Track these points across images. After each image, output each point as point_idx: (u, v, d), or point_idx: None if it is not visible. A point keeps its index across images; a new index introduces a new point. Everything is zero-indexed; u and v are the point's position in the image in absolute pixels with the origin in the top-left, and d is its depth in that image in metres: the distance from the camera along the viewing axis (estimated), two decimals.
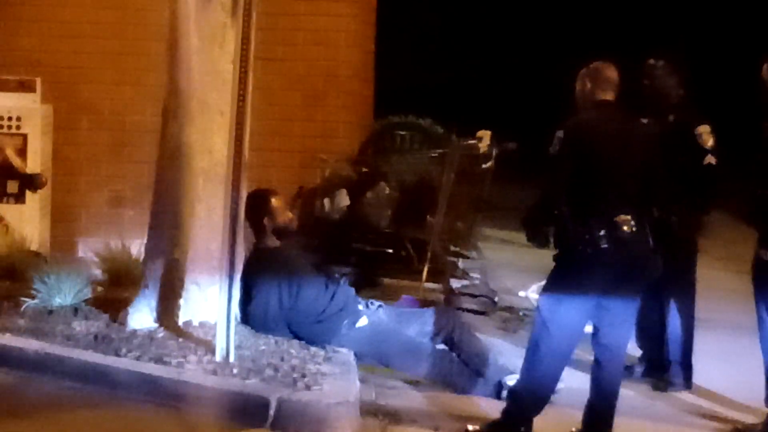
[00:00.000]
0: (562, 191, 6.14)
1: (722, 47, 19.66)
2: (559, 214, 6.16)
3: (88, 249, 9.76)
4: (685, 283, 7.64)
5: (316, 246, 8.90)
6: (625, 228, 6.07)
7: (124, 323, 7.31)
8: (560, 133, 6.16)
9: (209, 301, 7.18)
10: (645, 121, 7.25)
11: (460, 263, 10.15)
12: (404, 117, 10.64)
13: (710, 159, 7.42)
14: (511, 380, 6.90)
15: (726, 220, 10.01)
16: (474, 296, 9.41)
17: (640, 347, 7.78)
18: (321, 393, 6.38)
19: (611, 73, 6.43)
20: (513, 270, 10.75)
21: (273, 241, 7.65)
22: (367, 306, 7.56)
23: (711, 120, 7.52)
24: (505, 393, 6.91)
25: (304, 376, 6.58)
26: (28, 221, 9.52)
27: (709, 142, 7.43)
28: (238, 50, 6.82)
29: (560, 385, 6.51)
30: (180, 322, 7.27)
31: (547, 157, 6.18)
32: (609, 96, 6.39)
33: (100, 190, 10.83)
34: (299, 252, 7.86)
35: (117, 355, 6.82)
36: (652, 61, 7.69)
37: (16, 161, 9.54)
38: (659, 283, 6.84)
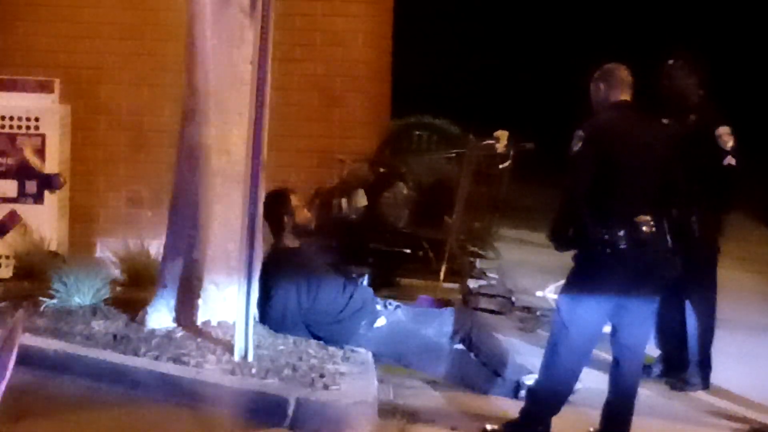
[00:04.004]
0: (585, 191, 6.12)
1: (743, 48, 19.59)
2: (579, 214, 6.15)
3: (106, 249, 9.76)
4: (705, 283, 7.62)
5: (333, 246, 8.91)
6: (645, 228, 6.05)
7: (142, 323, 7.33)
8: (580, 132, 6.15)
9: (228, 300, 7.19)
10: (665, 121, 7.25)
11: (478, 263, 10.15)
12: (421, 117, 10.67)
13: (730, 160, 7.41)
14: (529, 380, 6.91)
15: (744, 220, 9.99)
16: (492, 296, 9.39)
17: (659, 347, 7.76)
18: (339, 393, 6.40)
19: (623, 73, 6.42)
20: (530, 270, 10.73)
21: (292, 241, 7.65)
22: (385, 306, 7.56)
23: (731, 121, 7.51)
24: (523, 393, 6.91)
25: (322, 375, 6.60)
26: (47, 221, 9.53)
27: (729, 143, 7.42)
28: (256, 51, 6.84)
29: (578, 385, 6.50)
30: (198, 322, 7.27)
31: (567, 157, 6.17)
32: (625, 96, 6.37)
33: (118, 190, 10.87)
34: (318, 252, 7.86)
35: (136, 354, 6.84)
36: (672, 62, 7.68)
37: (34, 162, 9.55)
38: (679, 284, 6.82)
